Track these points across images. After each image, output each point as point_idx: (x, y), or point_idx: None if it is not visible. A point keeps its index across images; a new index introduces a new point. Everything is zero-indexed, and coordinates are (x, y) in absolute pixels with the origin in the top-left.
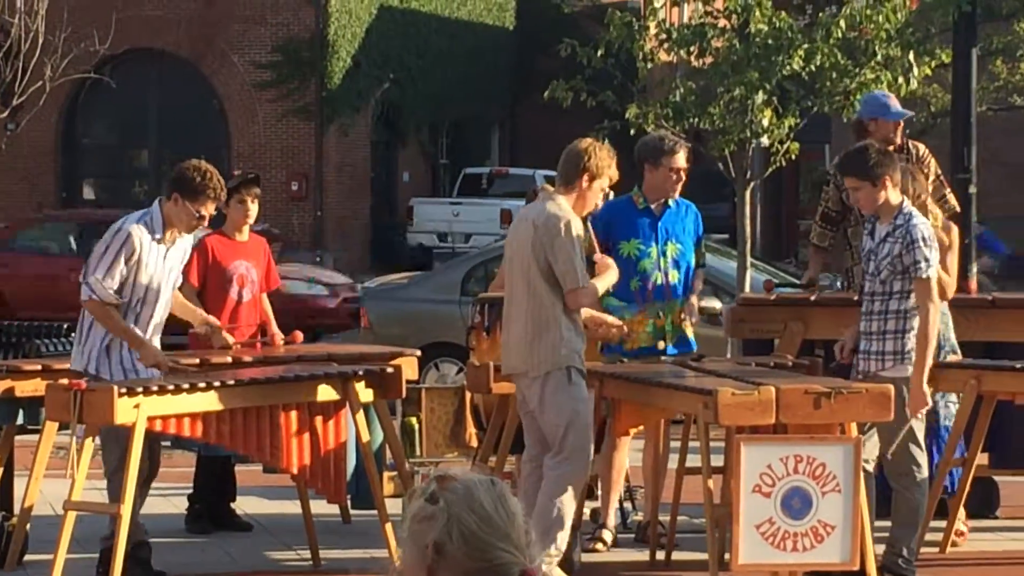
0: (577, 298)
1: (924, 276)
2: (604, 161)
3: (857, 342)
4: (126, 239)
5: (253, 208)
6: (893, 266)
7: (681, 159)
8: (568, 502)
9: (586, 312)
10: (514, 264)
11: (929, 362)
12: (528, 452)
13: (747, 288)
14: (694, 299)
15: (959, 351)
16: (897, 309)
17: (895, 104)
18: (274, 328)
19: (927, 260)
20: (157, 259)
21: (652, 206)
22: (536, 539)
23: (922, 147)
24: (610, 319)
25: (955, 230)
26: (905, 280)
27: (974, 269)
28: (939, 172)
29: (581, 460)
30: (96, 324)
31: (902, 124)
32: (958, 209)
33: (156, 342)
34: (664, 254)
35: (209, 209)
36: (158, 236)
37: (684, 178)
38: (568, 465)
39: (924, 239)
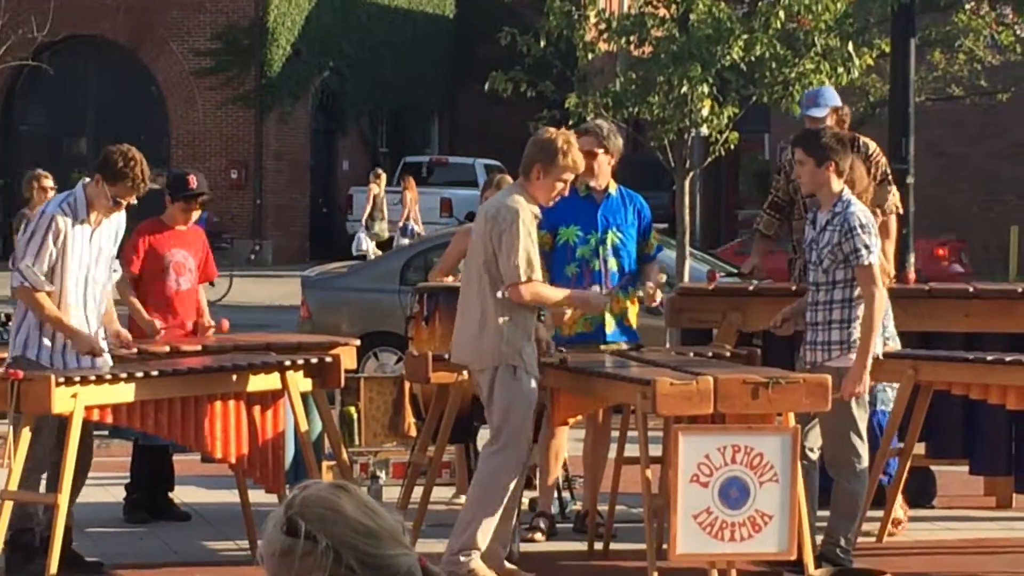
0: (517, 293)
1: (865, 263)
2: (561, 150)
3: (792, 313)
4: (50, 222)
5: (194, 216)
6: (834, 255)
7: (589, 143)
8: (496, 496)
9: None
10: (470, 257)
11: (875, 349)
12: (487, 445)
13: (686, 278)
14: (651, 283)
15: (898, 340)
16: (842, 298)
17: (807, 101)
18: (206, 320)
19: (867, 247)
20: (83, 240)
21: (593, 193)
22: (461, 527)
23: (872, 144)
24: (596, 296)
25: (893, 220)
26: (848, 269)
27: (911, 259)
28: (887, 171)
29: (514, 453)
30: (23, 314)
31: (835, 116)
32: (901, 211)
33: (95, 322)
34: (603, 242)
35: (126, 198)
36: (82, 217)
37: (592, 162)
38: (500, 456)
39: (862, 226)
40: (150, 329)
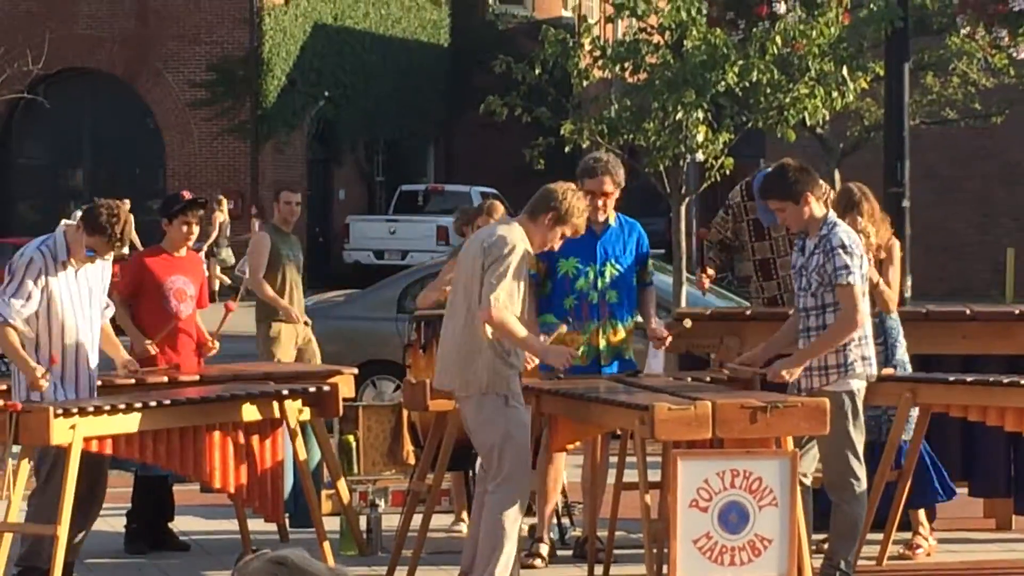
0: (486, 314)
1: (844, 283)
2: (575, 212)
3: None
4: (29, 263)
5: (195, 229)
6: (821, 276)
7: (603, 183)
8: (511, 525)
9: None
10: (458, 282)
11: (816, 356)
12: (481, 472)
13: (683, 303)
14: (654, 323)
15: (909, 367)
16: (834, 322)
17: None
18: (209, 340)
19: (847, 267)
20: (68, 281)
21: (593, 226)
22: (481, 566)
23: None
24: (558, 349)
25: (896, 245)
26: (834, 290)
27: (908, 283)
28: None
29: (519, 482)
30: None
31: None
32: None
33: (94, 358)
34: (602, 274)
35: (101, 252)
36: (62, 259)
37: (606, 201)
38: (507, 488)
39: (844, 245)
40: (140, 350)
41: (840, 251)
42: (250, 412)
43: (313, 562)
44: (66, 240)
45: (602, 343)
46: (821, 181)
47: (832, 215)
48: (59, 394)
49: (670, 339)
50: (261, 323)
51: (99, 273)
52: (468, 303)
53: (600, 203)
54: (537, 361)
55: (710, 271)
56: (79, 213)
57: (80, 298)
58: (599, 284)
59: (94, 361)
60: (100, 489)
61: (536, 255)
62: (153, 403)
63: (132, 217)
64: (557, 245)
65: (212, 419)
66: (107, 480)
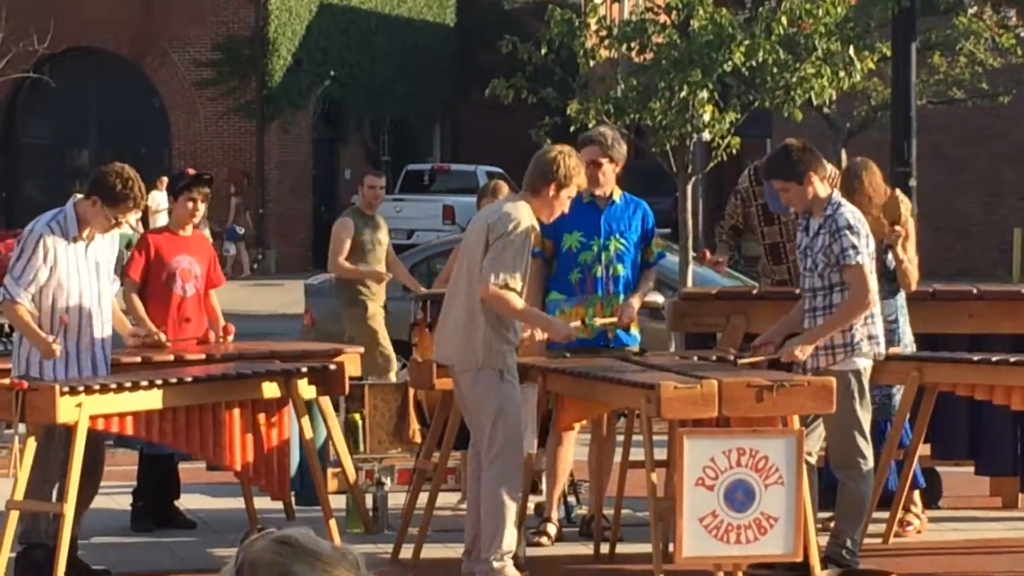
0: (484, 289)
1: (852, 263)
2: (573, 170)
3: (772, 336)
4: (38, 240)
5: (201, 207)
6: (827, 256)
7: (591, 153)
8: (508, 499)
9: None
10: (462, 259)
11: (827, 335)
12: (473, 449)
13: (689, 282)
14: (633, 299)
15: (914, 346)
16: (840, 302)
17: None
18: (219, 327)
19: (855, 247)
20: (77, 256)
21: (597, 200)
22: (487, 539)
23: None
24: (559, 323)
25: (911, 225)
26: (843, 271)
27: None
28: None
29: (512, 456)
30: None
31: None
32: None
33: (106, 331)
34: (606, 248)
35: (127, 217)
36: (73, 235)
37: (597, 172)
38: (500, 464)
39: (850, 226)
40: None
41: (847, 232)
42: (257, 391)
43: (319, 541)
44: (76, 215)
45: (606, 316)
46: (825, 162)
47: (836, 195)
48: (71, 370)
49: (629, 323)
50: (351, 308)
51: (108, 246)
52: (469, 279)
53: (591, 174)
54: (540, 335)
55: (709, 255)
56: (79, 196)
57: (89, 273)
58: (603, 257)
59: (107, 333)
60: (99, 466)
61: (542, 234)
62: (160, 381)
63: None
64: (567, 207)
65: (219, 397)
66: (104, 457)
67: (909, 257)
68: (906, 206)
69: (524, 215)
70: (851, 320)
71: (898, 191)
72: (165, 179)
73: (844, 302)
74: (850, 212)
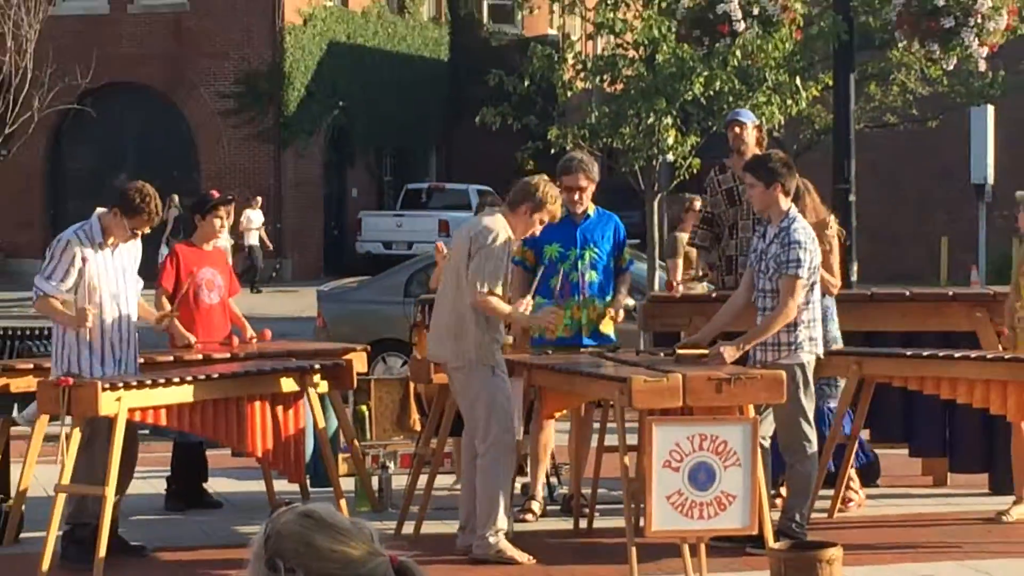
0: (473, 297)
1: (792, 274)
2: (549, 200)
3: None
4: (66, 247)
5: (227, 223)
6: (777, 264)
7: (578, 179)
8: (503, 483)
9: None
10: (451, 266)
11: (756, 342)
12: (467, 437)
13: (656, 287)
14: (620, 297)
15: (841, 341)
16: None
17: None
18: (250, 330)
19: (797, 261)
20: (104, 261)
21: (573, 216)
22: (483, 517)
23: (835, 225)
24: (541, 315)
25: (835, 240)
26: (780, 278)
27: (854, 268)
28: (836, 243)
29: (505, 443)
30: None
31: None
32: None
33: (133, 332)
34: (582, 257)
35: (143, 229)
36: (98, 242)
37: (582, 195)
38: (494, 451)
39: (799, 242)
40: (182, 340)
41: (796, 246)
42: (276, 385)
43: (338, 515)
44: (101, 224)
45: (583, 317)
46: (799, 183)
47: (794, 210)
48: (107, 364)
49: (621, 317)
50: None
51: (132, 252)
52: (457, 284)
53: (577, 196)
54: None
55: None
56: (102, 209)
57: (115, 276)
58: (579, 265)
59: (133, 330)
60: (133, 455)
61: (524, 244)
62: (190, 378)
63: (155, 191)
64: (538, 231)
65: (242, 392)
66: (138, 446)
67: (830, 267)
68: (833, 226)
69: (501, 227)
70: (775, 329)
71: (831, 217)
72: (259, 199)
73: (770, 313)
74: (803, 228)
